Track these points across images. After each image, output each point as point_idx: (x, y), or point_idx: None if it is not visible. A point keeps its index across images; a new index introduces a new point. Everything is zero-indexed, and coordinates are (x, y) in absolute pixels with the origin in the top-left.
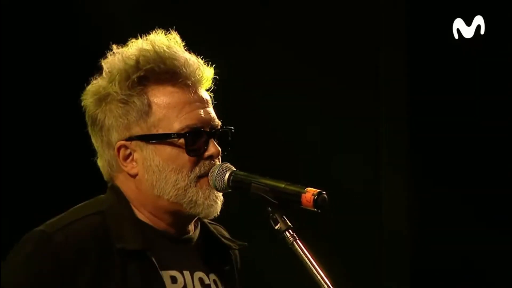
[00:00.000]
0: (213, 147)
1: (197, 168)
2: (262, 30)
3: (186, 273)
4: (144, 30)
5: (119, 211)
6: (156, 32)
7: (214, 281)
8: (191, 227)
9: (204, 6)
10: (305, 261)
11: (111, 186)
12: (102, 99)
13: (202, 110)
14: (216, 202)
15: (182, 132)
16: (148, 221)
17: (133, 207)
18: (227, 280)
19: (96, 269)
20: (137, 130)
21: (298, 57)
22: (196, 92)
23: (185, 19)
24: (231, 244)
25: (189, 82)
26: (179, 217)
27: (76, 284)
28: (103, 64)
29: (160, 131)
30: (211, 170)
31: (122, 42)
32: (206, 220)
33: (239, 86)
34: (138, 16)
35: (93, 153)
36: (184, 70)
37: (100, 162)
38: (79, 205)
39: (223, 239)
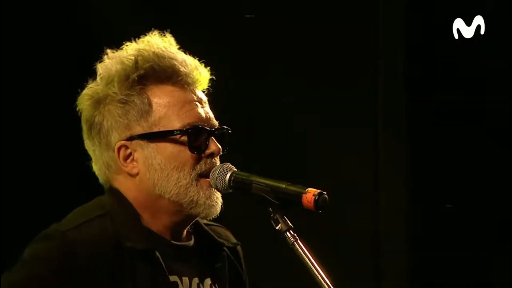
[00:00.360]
0: (214, 145)
1: (198, 166)
2: (262, 33)
3: (185, 280)
4: (139, 31)
5: (122, 212)
6: (151, 33)
7: (211, 285)
8: (185, 232)
9: (202, 7)
10: (306, 261)
11: (109, 188)
12: (100, 101)
13: (201, 109)
14: (217, 203)
15: (184, 129)
16: (148, 225)
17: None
18: (222, 281)
19: (109, 268)
20: (137, 130)
21: (297, 58)
22: (194, 92)
23: (181, 19)
24: (225, 242)
25: (189, 80)
26: (178, 218)
27: (91, 282)
28: (98, 67)
29: (162, 129)
30: (212, 170)
31: (117, 44)
32: (205, 221)
33: (238, 86)
34: (132, 16)
35: (87, 156)
36: (182, 69)
37: (96, 166)
38: (81, 207)
39: (216, 238)
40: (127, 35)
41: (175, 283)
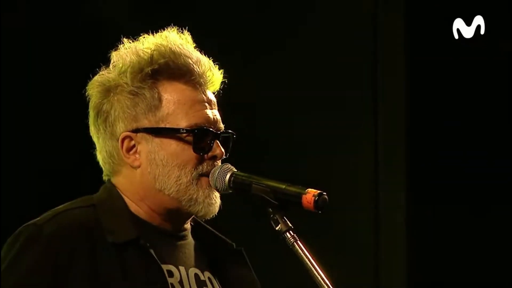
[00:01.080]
0: (218, 148)
1: (200, 167)
2: (264, 37)
3: (182, 269)
4: (149, 29)
5: (111, 204)
6: (169, 29)
7: (209, 278)
8: (186, 226)
9: (206, 10)
10: (306, 262)
11: (105, 184)
12: (110, 89)
13: (210, 111)
14: (216, 202)
15: (190, 129)
16: (144, 216)
17: (128, 201)
18: (224, 277)
19: (91, 258)
20: (144, 123)
21: (297, 56)
22: (205, 92)
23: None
24: (227, 240)
25: (201, 81)
26: (177, 214)
27: (72, 273)
28: (113, 55)
29: (168, 126)
30: (212, 171)
31: (126, 38)
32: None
33: (238, 88)
34: (142, 15)
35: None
36: (196, 68)
37: (99, 155)
38: (70, 201)
39: (218, 234)
40: (138, 29)
41: (170, 271)
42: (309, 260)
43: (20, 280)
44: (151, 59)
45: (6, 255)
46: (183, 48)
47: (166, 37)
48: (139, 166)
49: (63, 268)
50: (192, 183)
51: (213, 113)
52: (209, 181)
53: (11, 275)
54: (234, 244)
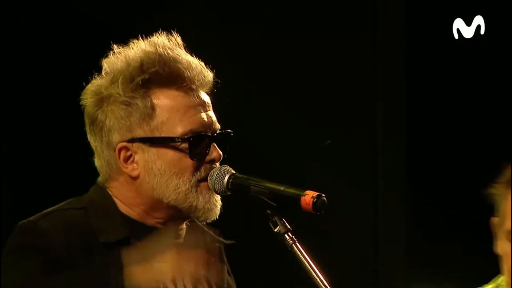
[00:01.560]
0: (215, 151)
1: (198, 173)
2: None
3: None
4: (144, 29)
5: (101, 205)
6: (158, 33)
7: (205, 276)
8: (181, 226)
9: (204, 7)
10: (304, 263)
11: (95, 184)
12: (103, 99)
13: (204, 114)
14: (216, 206)
15: (186, 136)
16: (136, 217)
17: (118, 202)
18: (218, 275)
19: (84, 256)
20: (139, 133)
21: (296, 61)
22: (198, 96)
23: (185, 21)
24: (222, 239)
25: (193, 86)
26: (175, 217)
27: (67, 270)
28: (104, 63)
29: (163, 135)
30: (210, 173)
31: (122, 41)
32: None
33: (238, 90)
34: (138, 15)
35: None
36: (187, 73)
37: (98, 162)
38: (61, 203)
39: (212, 233)
40: (134, 29)
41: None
42: (308, 262)
43: (17, 278)
44: (141, 68)
45: (7, 253)
46: (173, 53)
47: (154, 43)
48: (138, 176)
49: (58, 264)
50: (191, 190)
51: (208, 115)
52: (207, 184)
53: (11, 273)
54: (226, 241)
